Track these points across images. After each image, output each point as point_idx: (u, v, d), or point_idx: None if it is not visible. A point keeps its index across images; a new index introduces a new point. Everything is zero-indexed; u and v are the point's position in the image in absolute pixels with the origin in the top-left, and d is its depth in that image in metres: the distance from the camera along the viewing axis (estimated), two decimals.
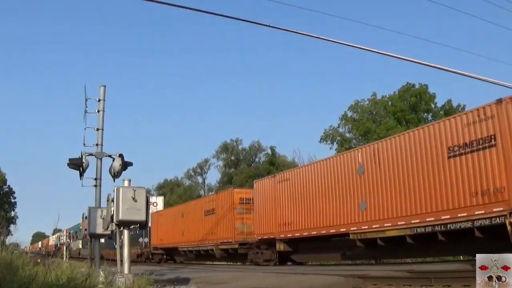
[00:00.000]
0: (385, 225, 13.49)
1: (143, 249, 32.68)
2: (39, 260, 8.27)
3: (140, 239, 32.99)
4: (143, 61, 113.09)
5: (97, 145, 10.76)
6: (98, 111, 10.95)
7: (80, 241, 44.08)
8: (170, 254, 30.58)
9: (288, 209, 18.10)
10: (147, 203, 7.85)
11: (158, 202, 38.85)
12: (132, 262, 25.93)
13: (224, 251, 22.42)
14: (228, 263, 24.29)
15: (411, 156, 13.07)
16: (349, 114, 39.56)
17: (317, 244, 17.29)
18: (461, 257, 13.91)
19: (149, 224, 32.04)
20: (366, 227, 14.10)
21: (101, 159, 10.59)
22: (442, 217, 11.84)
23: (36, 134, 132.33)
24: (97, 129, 10.89)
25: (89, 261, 10.15)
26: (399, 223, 13.02)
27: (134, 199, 7.57)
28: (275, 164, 51.06)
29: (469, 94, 58.80)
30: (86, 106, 10.89)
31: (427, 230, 12.25)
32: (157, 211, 34.65)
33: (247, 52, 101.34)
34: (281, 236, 18.28)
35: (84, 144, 10.62)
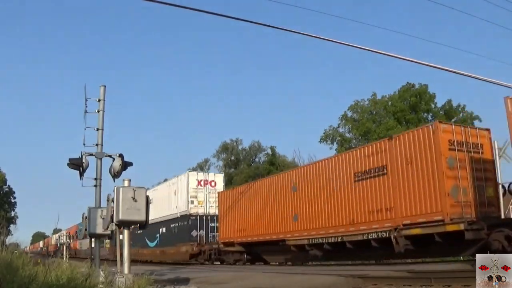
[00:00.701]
0: None
1: (202, 246, 24.04)
2: (39, 260, 8.26)
3: (194, 232, 24.38)
4: (143, 61, 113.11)
5: (97, 145, 10.76)
6: (98, 111, 10.95)
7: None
8: (254, 252, 21.15)
9: None
10: (147, 203, 7.84)
11: (217, 181, 27.26)
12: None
13: (414, 239, 13.04)
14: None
15: None
16: (349, 114, 39.61)
17: None
18: (461, 257, 13.87)
19: (216, 212, 24.38)
20: None
21: (101, 159, 10.58)
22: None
23: (36, 134, 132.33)
24: (97, 129, 10.89)
25: (90, 261, 10.12)
26: None
27: (134, 199, 7.57)
28: (275, 164, 51.04)
29: (469, 94, 58.82)
30: (86, 106, 10.89)
31: None
32: (232, 189, 24.85)
33: (248, 52, 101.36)
34: None
35: (84, 144, 10.64)
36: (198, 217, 25.06)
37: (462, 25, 73.76)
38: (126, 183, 7.91)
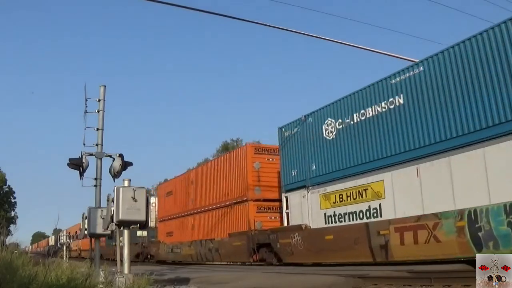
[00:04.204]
0: None
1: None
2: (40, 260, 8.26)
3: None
4: (144, 61, 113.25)
5: (97, 145, 10.75)
6: (98, 111, 10.94)
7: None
8: None
9: None
10: (147, 203, 7.84)
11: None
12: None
13: None
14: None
15: None
16: None
17: None
18: (461, 258, 13.85)
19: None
20: None
21: (101, 159, 10.58)
22: None
23: (36, 134, 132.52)
24: (97, 129, 10.89)
25: (90, 261, 10.13)
26: None
27: (134, 199, 7.56)
28: None
29: None
30: (86, 106, 10.87)
31: None
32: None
33: (248, 52, 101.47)
34: None
35: (84, 144, 10.61)
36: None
37: (463, 25, 73.62)
38: (126, 183, 7.90)
